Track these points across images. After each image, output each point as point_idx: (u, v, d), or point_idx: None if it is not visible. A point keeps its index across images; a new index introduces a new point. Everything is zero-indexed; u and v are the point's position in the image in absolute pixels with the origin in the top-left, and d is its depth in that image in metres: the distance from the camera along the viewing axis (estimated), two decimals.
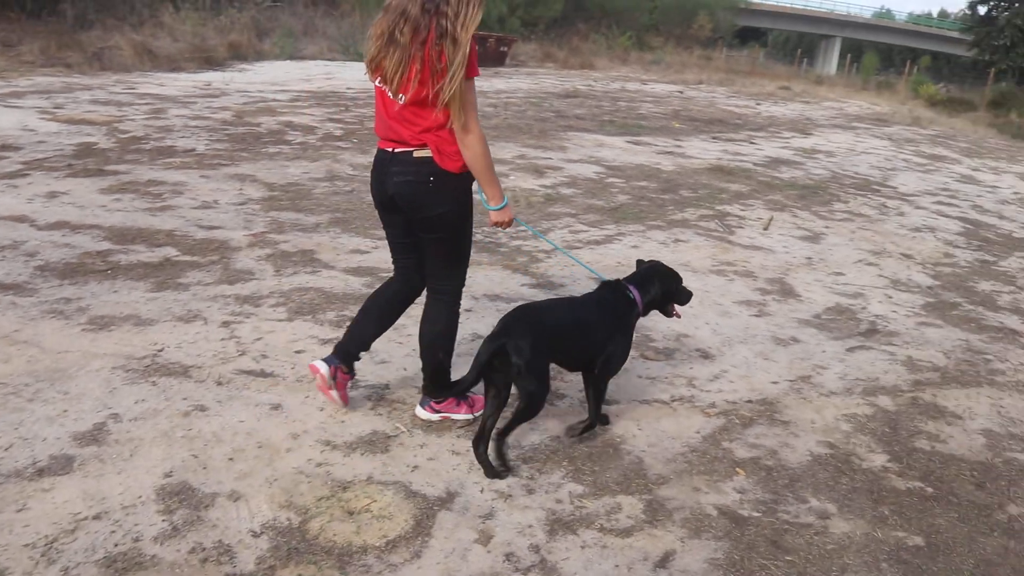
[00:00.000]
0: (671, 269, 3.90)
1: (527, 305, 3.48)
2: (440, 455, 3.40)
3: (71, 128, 9.25)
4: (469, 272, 3.59)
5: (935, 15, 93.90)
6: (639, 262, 3.97)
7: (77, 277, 4.92)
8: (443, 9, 2.99)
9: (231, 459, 3.22)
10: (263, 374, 3.95)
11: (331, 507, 2.98)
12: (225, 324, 4.48)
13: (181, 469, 3.12)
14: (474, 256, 3.95)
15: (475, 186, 3.33)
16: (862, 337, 5.32)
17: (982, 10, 41.28)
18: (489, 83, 18.34)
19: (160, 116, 10.62)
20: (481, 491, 3.18)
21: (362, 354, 3.64)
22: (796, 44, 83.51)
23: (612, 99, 18.27)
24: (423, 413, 3.66)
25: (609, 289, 3.69)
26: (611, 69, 28.51)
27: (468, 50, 3.00)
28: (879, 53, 74.30)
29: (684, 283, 3.96)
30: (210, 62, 17.35)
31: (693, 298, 4.05)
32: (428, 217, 3.29)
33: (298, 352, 4.21)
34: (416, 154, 3.17)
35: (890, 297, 6.22)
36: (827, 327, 5.41)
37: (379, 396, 3.83)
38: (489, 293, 5.29)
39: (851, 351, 5.06)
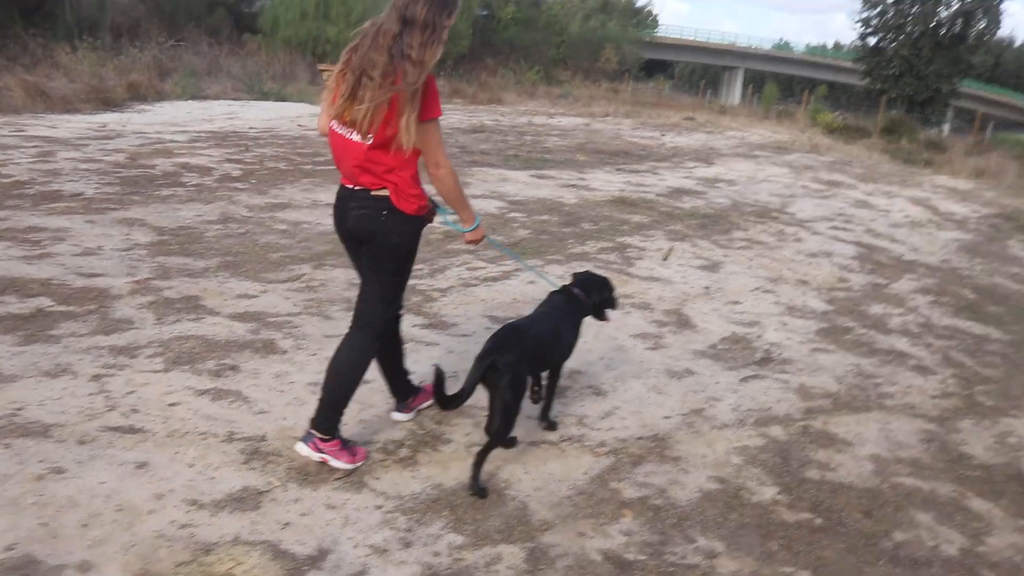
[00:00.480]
0: (604, 277, 4.26)
1: (511, 324, 3.76)
2: (314, 510, 3.24)
3: None
4: None
5: (830, 46, 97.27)
6: (575, 274, 4.28)
7: None
8: (408, 53, 3.15)
9: (85, 525, 3.01)
10: (132, 430, 3.73)
11: (191, 573, 2.80)
12: (96, 378, 4.24)
13: (27, 540, 2.89)
14: None
15: (451, 218, 3.64)
16: (756, 366, 5.34)
17: (872, 41, 42.97)
18: None
19: (48, 159, 10.19)
20: (355, 547, 3.03)
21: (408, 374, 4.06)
22: (701, 75, 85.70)
23: (518, 133, 18.33)
24: (303, 449, 3.51)
25: (562, 295, 4.06)
26: (519, 103, 28.68)
27: (427, 77, 3.22)
28: (779, 83, 76.78)
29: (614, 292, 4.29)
30: (108, 103, 16.83)
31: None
32: (379, 246, 3.42)
33: (172, 405, 4.00)
34: (374, 192, 3.34)
35: (785, 324, 6.28)
36: (722, 357, 5.42)
37: (254, 449, 3.64)
38: None
39: (745, 381, 5.06)
